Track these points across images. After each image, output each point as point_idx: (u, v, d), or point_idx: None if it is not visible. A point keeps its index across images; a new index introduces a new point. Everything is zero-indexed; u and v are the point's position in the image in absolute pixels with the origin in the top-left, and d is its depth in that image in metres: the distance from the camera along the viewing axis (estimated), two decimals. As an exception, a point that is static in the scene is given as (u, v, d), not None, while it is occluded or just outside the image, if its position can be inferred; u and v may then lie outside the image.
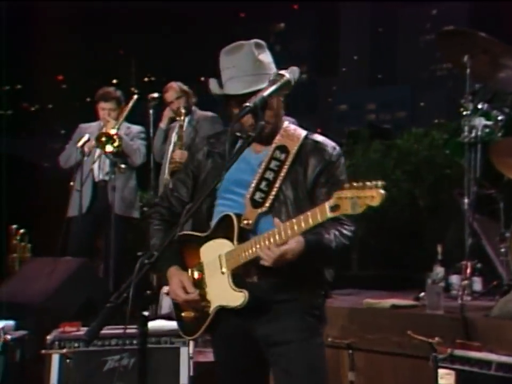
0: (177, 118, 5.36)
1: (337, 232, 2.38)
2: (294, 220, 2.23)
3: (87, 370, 3.39)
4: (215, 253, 2.44)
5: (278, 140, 2.48)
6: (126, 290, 1.92)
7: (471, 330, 3.41)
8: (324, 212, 2.16)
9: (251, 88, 2.37)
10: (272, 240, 2.27)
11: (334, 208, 2.13)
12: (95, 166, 5.38)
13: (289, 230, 2.24)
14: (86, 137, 5.14)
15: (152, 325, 3.54)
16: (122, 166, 5.19)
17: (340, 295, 4.61)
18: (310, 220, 2.19)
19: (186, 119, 5.40)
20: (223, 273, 2.42)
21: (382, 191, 2.08)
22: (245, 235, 2.40)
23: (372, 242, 6.11)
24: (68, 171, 5.36)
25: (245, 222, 2.41)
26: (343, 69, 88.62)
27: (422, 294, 3.99)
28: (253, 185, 2.44)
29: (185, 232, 2.55)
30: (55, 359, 3.39)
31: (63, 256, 4.67)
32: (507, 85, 4.16)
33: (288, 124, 2.53)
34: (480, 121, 4.04)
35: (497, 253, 4.28)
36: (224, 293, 2.41)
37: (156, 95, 5.34)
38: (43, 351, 3.29)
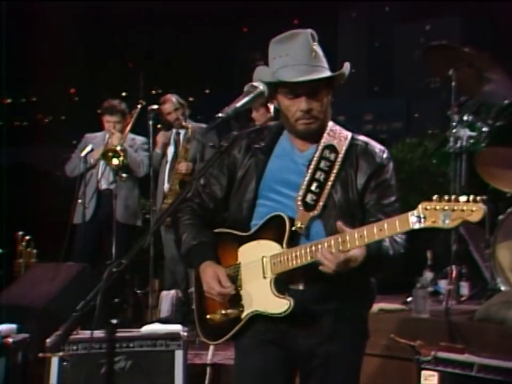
0: (180, 130, 5.42)
1: (392, 239, 2.14)
2: (365, 229, 1.99)
3: (85, 373, 3.35)
4: (258, 255, 2.20)
5: (325, 139, 2.26)
6: (93, 298, 1.77)
7: (455, 333, 3.40)
8: (405, 222, 1.92)
9: (309, 76, 2.15)
10: (334, 245, 2.03)
11: (419, 219, 1.88)
12: (100, 175, 5.38)
13: (358, 239, 1.99)
14: (89, 148, 5.14)
15: (148, 328, 3.54)
16: (124, 175, 5.19)
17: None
18: (386, 231, 1.96)
19: (182, 131, 5.43)
20: (265, 277, 2.18)
21: (484, 206, 1.82)
22: (295, 239, 2.17)
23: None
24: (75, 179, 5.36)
25: (298, 225, 2.16)
26: (340, 81, 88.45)
27: (410, 298, 3.96)
28: (304, 186, 2.20)
29: (222, 230, 2.35)
30: (55, 361, 3.36)
31: (66, 261, 4.65)
32: (491, 98, 4.14)
33: (334, 124, 2.32)
34: (465, 132, 4.03)
35: (483, 259, 4.26)
36: (264, 299, 2.17)
37: (155, 106, 5.34)
38: (40, 354, 3.26)
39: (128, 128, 5.40)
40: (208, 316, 2.30)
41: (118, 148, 5.19)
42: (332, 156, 2.23)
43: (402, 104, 77.75)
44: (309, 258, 2.09)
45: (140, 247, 1.86)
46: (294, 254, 2.12)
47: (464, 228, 4.28)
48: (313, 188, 2.20)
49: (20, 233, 5.24)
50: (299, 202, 2.20)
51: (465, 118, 4.12)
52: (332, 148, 2.25)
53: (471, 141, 4.02)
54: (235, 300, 2.24)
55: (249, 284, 2.22)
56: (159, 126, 5.60)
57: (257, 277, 2.20)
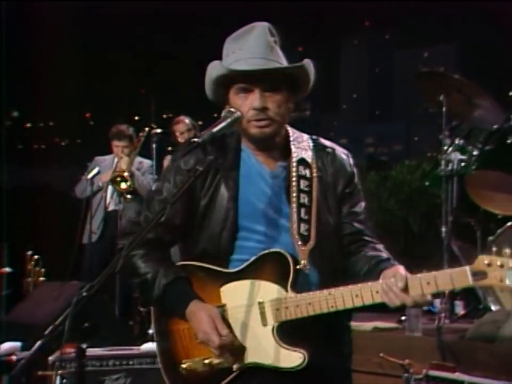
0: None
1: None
2: (422, 279, 1.70)
3: (85, 390, 3.30)
4: (252, 298, 1.83)
5: (294, 152, 1.95)
6: (61, 323, 1.59)
7: (446, 352, 3.33)
8: (463, 278, 1.64)
9: (264, 66, 1.85)
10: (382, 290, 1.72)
11: (477, 275, 1.62)
12: (107, 196, 5.37)
13: (423, 288, 1.68)
14: (95, 171, 5.14)
15: (148, 346, 3.49)
16: (128, 196, 5.18)
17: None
18: (438, 286, 1.68)
19: None
20: (265, 325, 1.82)
21: None
22: (301, 280, 1.83)
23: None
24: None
25: (302, 263, 1.83)
26: (343, 106, 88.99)
27: (404, 317, 3.90)
28: (295, 215, 1.88)
29: (193, 263, 1.93)
30: (57, 379, 3.31)
31: (72, 280, 4.62)
32: (481, 123, 4.12)
33: (292, 129, 2.02)
34: (456, 156, 3.99)
35: (475, 278, 4.19)
36: (266, 349, 1.81)
37: (158, 130, 5.34)
38: (40, 372, 3.21)
39: (136, 152, 5.39)
40: (183, 366, 1.88)
41: (126, 174, 5.19)
42: (307, 172, 1.94)
43: (402, 127, 77.91)
44: (327, 307, 1.77)
45: (111, 271, 1.64)
46: (306, 301, 1.78)
47: (457, 247, 4.24)
48: (302, 215, 1.89)
49: (29, 252, 5.22)
50: (296, 236, 1.87)
51: (456, 141, 4.09)
52: (304, 162, 1.96)
53: (462, 164, 3.98)
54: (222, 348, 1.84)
55: (241, 331, 1.84)
56: (169, 148, 5.60)
57: (253, 324, 1.82)
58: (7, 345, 3.51)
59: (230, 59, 1.89)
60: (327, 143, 2.06)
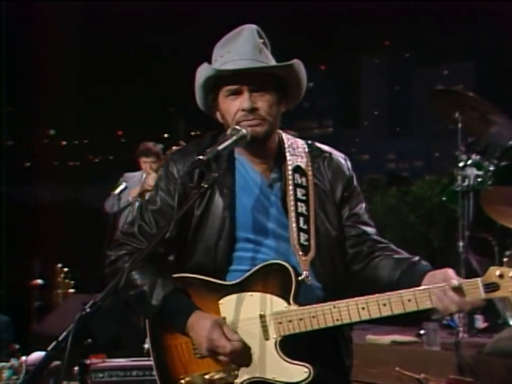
0: None
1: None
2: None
3: (110, 400, 3.30)
4: (252, 311, 1.72)
5: (289, 159, 1.87)
6: (64, 339, 1.53)
7: (464, 367, 3.24)
8: (475, 290, 1.56)
9: (251, 65, 1.77)
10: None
11: (489, 287, 1.55)
12: (135, 211, 5.39)
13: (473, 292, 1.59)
14: (123, 186, 5.16)
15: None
16: None
17: (356, 330, 4.43)
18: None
19: None
20: (267, 339, 1.71)
21: None
22: (303, 292, 1.73)
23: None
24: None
25: (304, 274, 1.73)
26: (364, 123, 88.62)
27: (423, 331, 3.81)
28: (294, 225, 1.79)
29: (189, 275, 1.82)
30: (82, 389, 3.30)
31: (100, 293, 4.62)
32: (496, 139, 4.04)
33: (286, 135, 1.93)
34: (472, 171, 3.92)
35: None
36: (268, 364, 1.70)
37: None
38: (64, 383, 3.20)
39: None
40: (182, 382, 1.78)
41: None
42: (304, 180, 1.84)
43: (422, 144, 77.29)
44: (332, 321, 1.66)
45: (114, 288, 1.58)
46: (310, 314, 1.67)
47: (476, 261, 4.14)
48: (301, 224, 1.80)
49: (59, 265, 5.25)
50: (297, 246, 1.78)
51: (472, 157, 4.01)
52: (299, 170, 1.85)
53: (478, 179, 3.91)
54: (221, 362, 1.74)
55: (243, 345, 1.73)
56: None
57: (254, 338, 1.72)
58: (36, 355, 3.51)
59: (218, 63, 1.82)
60: (323, 147, 1.96)
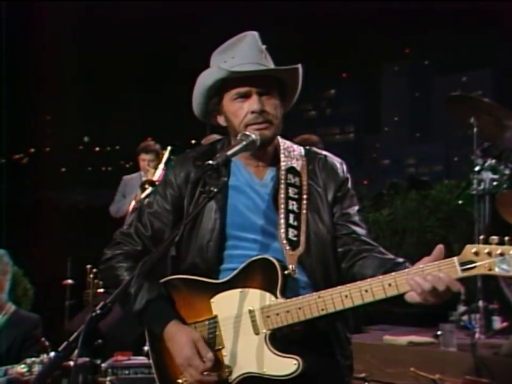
0: None
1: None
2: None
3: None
4: (242, 307, 1.70)
5: (283, 161, 1.84)
6: (75, 340, 1.50)
7: (481, 368, 3.16)
8: (451, 269, 1.49)
9: (261, 68, 1.75)
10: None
11: (465, 265, 1.47)
12: None
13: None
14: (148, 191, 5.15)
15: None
16: None
17: (375, 331, 4.37)
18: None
19: None
20: (257, 333, 1.69)
21: None
22: (290, 286, 1.70)
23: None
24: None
25: (291, 268, 1.70)
26: (385, 129, 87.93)
27: (440, 331, 3.74)
28: (283, 221, 1.76)
29: (182, 276, 1.81)
30: (108, 384, 3.32)
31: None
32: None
33: (283, 140, 1.90)
34: (488, 175, 3.84)
35: (512, 294, 3.99)
36: (259, 358, 1.68)
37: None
38: (89, 377, 3.23)
39: (161, 163, 5.29)
40: (180, 381, 1.76)
41: (155, 178, 5.15)
42: (297, 181, 1.82)
43: (442, 149, 76.41)
44: (317, 311, 1.63)
45: (124, 290, 1.56)
46: (296, 306, 1.65)
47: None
48: (291, 221, 1.76)
49: (89, 266, 5.29)
50: (284, 241, 1.74)
51: (488, 161, 3.94)
52: (293, 170, 1.83)
53: (494, 183, 3.84)
54: (216, 361, 1.72)
55: (234, 341, 1.71)
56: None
57: (245, 333, 1.70)
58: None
59: (222, 70, 1.78)
60: (319, 151, 1.93)
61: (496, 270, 1.44)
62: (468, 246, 1.49)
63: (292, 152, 1.87)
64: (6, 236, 6.17)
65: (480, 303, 3.81)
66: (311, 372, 1.68)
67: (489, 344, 3.55)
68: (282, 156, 1.86)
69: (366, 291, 1.59)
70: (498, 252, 1.45)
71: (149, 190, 5.12)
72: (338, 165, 1.89)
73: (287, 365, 1.65)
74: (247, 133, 1.77)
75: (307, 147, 1.93)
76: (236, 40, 1.82)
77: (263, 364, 1.67)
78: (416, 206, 6.30)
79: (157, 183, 5.14)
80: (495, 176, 3.83)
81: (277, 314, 1.66)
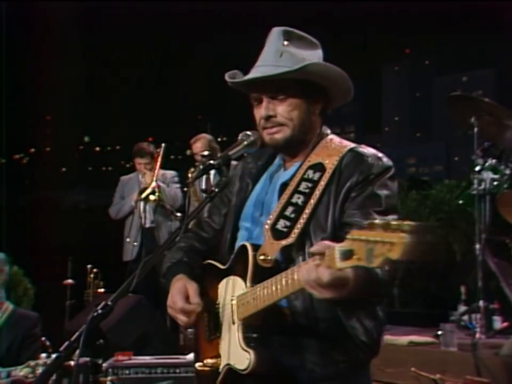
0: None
1: None
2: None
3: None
4: (229, 295, 1.70)
5: (314, 155, 1.75)
6: (76, 340, 1.49)
7: (481, 367, 3.15)
8: (332, 260, 1.31)
9: (267, 73, 1.71)
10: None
11: (345, 254, 1.26)
12: (143, 215, 5.18)
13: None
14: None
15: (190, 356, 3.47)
16: (178, 214, 5.13)
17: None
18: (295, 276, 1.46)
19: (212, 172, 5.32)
20: (233, 323, 1.66)
21: (407, 237, 1.17)
22: (263, 275, 1.60)
23: (411, 282, 5.92)
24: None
25: (261, 257, 1.64)
26: (385, 128, 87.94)
27: (440, 331, 3.74)
28: (277, 210, 1.70)
29: (207, 261, 1.85)
30: (109, 385, 3.32)
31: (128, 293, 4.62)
32: (512, 143, 3.95)
33: (333, 136, 1.80)
34: (488, 175, 3.83)
35: (513, 294, 3.99)
36: (233, 349, 1.64)
37: (206, 153, 5.31)
38: (90, 377, 3.23)
39: (157, 166, 5.23)
40: (196, 366, 1.79)
41: (153, 184, 5.11)
42: (316, 175, 1.70)
43: (442, 149, 76.39)
44: (279, 295, 1.52)
45: (126, 290, 1.56)
46: (261, 293, 1.55)
47: (494, 264, 4.04)
48: (287, 212, 1.68)
49: (89, 266, 5.29)
50: (268, 230, 1.68)
51: (488, 161, 3.93)
52: (318, 166, 1.71)
53: (494, 183, 3.83)
54: (216, 348, 1.71)
55: (224, 330, 1.70)
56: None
57: (228, 323, 1.68)
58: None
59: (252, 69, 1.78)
60: (364, 148, 1.76)
61: (365, 262, 1.21)
62: (352, 232, 1.27)
63: (331, 149, 1.75)
64: (6, 236, 6.17)
65: (481, 303, 3.80)
66: (272, 373, 1.60)
67: (489, 344, 3.54)
68: (317, 149, 1.76)
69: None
70: (369, 238, 1.20)
71: (152, 197, 5.08)
72: (368, 160, 1.70)
73: (243, 358, 1.58)
74: (248, 133, 1.79)
75: (354, 145, 1.77)
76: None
77: (233, 355, 1.64)
78: (417, 205, 6.30)
79: (155, 188, 5.08)
80: (496, 176, 3.82)
81: (247, 302, 1.61)
